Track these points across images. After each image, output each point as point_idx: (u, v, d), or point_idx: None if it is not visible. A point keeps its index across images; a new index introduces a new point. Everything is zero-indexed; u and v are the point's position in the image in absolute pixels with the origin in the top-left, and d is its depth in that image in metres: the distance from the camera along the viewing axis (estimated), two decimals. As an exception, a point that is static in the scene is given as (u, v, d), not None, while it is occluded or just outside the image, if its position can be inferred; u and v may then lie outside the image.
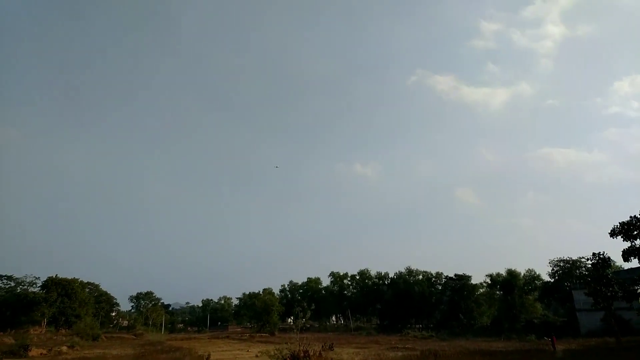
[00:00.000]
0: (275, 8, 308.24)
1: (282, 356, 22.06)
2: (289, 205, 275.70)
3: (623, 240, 33.22)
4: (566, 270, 70.34)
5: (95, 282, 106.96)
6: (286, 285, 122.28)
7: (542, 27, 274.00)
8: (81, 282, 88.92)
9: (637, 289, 35.22)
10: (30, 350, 34.19)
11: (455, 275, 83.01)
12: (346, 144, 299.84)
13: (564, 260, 71.32)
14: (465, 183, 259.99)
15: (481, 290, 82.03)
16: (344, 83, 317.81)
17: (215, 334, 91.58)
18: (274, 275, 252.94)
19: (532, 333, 53.86)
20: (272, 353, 22.95)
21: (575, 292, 58.56)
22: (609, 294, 35.57)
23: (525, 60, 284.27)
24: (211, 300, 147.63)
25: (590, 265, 50.64)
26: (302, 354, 21.97)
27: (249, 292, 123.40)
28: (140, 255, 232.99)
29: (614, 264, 53.61)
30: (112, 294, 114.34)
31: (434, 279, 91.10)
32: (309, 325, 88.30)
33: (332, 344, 33.07)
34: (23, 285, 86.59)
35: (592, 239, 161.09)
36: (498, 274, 77.73)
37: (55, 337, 59.56)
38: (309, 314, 27.16)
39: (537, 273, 79.64)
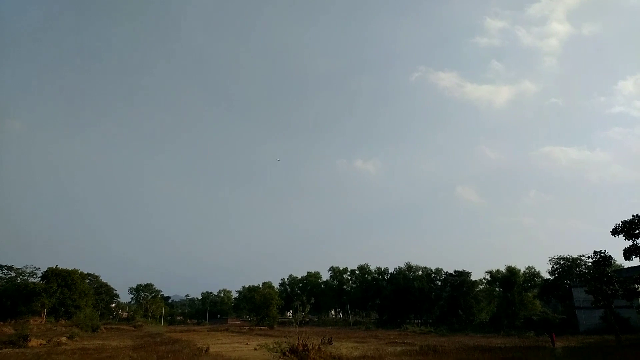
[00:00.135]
0: (279, 5, 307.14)
1: (281, 350, 22.02)
2: (289, 200, 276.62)
3: (625, 239, 33.14)
4: (566, 268, 70.30)
5: (95, 273, 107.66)
6: (286, 279, 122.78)
7: (548, 25, 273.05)
8: (81, 273, 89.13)
9: (638, 287, 35.19)
10: (29, 341, 34.24)
11: (455, 271, 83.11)
12: (348, 140, 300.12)
13: (564, 258, 71.27)
14: (467, 181, 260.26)
15: (481, 286, 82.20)
16: (346, 80, 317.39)
17: (215, 326, 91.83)
18: (273, 269, 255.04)
19: (531, 330, 53.97)
20: (271, 346, 22.92)
21: (574, 289, 58.56)
22: (609, 292, 35.50)
23: (530, 58, 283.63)
24: (211, 293, 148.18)
25: (590, 263, 50.66)
26: (300, 348, 21.92)
27: (249, 286, 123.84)
28: (140, 248, 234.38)
29: (614, 262, 53.52)
30: (112, 286, 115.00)
31: (433, 275, 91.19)
32: (308, 319, 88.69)
33: (331, 338, 33.12)
34: (23, 276, 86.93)
35: (593, 238, 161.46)
36: (498, 271, 77.79)
37: (55, 328, 59.78)
38: (308, 308, 27.13)
39: (537, 270, 79.78)
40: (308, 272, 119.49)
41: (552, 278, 72.22)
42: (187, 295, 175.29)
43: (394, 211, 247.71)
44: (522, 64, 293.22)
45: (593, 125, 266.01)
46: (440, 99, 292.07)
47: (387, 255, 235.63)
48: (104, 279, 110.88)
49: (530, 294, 73.16)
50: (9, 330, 47.80)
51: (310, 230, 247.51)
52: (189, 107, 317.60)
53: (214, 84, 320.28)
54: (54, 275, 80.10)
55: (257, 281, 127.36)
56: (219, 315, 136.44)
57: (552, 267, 71.98)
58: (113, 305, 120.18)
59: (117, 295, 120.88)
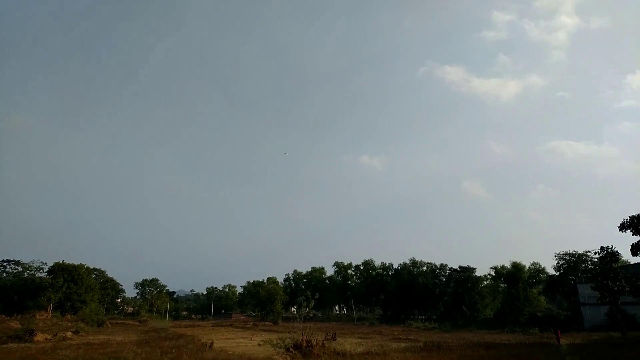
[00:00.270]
0: (286, 3, 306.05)
1: (285, 345, 22.01)
2: (294, 196, 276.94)
3: (632, 234, 32.71)
4: (572, 264, 69.88)
5: (101, 268, 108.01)
6: (290, 275, 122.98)
7: (556, 19, 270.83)
8: (87, 268, 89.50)
9: (645, 283, 34.87)
10: (35, 335, 34.42)
11: (460, 267, 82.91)
12: (353, 136, 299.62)
13: (569, 254, 70.81)
14: (473, 176, 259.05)
15: (485, 282, 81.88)
16: (352, 75, 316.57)
17: (219, 321, 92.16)
18: (278, 264, 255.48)
19: (535, 326, 53.70)
20: (275, 342, 22.90)
21: (580, 285, 58.21)
22: (615, 288, 35.20)
23: (538, 52, 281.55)
24: (216, 288, 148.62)
25: (596, 259, 50.25)
26: (304, 344, 21.90)
27: (253, 281, 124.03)
28: (146, 243, 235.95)
29: (621, 258, 53.12)
30: (117, 281, 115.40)
31: (438, 270, 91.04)
32: (312, 315, 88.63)
33: (335, 333, 32.97)
34: (30, 271, 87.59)
35: (600, 234, 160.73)
36: (503, 267, 77.43)
37: (60, 323, 60.16)
38: (312, 304, 27.11)
39: (542, 266, 79.34)
40: (312, 268, 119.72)
41: (557, 274, 71.83)
42: (192, 291, 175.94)
43: (400, 206, 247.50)
44: (529, 58, 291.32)
45: (601, 119, 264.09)
46: (446, 94, 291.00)
47: (392, 251, 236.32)
48: (109, 274, 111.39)
49: (535, 290, 72.86)
50: (15, 324, 48.13)
51: (315, 226, 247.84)
52: (194, 103, 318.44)
53: (217, 81, 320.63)
54: (60, 270, 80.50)
55: (262, 276, 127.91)
56: (223, 311, 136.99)
57: (558, 262, 71.55)
58: (118, 300, 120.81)
59: (123, 290, 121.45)
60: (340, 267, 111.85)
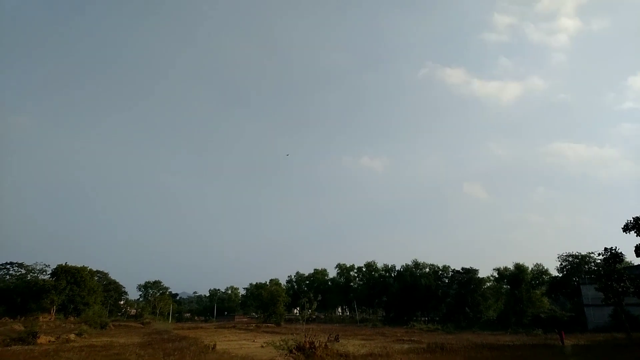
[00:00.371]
0: (287, 4, 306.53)
1: (288, 347, 21.94)
2: (296, 197, 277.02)
3: (636, 235, 32.58)
4: (575, 265, 69.56)
5: (104, 270, 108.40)
6: (293, 276, 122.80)
7: (557, 21, 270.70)
8: (90, 270, 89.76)
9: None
10: (38, 338, 34.47)
11: (462, 268, 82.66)
12: (354, 137, 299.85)
13: (572, 255, 70.46)
14: (474, 177, 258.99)
15: (488, 284, 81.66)
16: (353, 76, 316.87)
17: (222, 323, 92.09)
18: (280, 266, 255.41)
19: (539, 327, 53.52)
20: (278, 344, 22.82)
21: (583, 287, 57.97)
22: (620, 289, 35.03)
23: (538, 54, 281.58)
24: (218, 290, 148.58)
25: (599, 261, 49.99)
26: (307, 345, 21.83)
27: (256, 283, 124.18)
28: (149, 245, 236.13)
29: (624, 258, 52.89)
30: (120, 283, 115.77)
31: (440, 272, 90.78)
32: (314, 317, 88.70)
33: (338, 335, 32.91)
34: (33, 273, 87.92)
35: (601, 236, 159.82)
36: (506, 268, 77.23)
37: (64, 325, 60.25)
38: (315, 305, 27.02)
39: (545, 268, 79.04)
40: (315, 269, 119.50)
41: (560, 275, 71.55)
42: (195, 293, 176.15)
43: (401, 208, 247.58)
44: (530, 60, 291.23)
45: (602, 121, 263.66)
46: (447, 96, 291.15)
47: (394, 252, 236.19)
48: (112, 276, 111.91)
49: (538, 292, 72.64)
50: (18, 327, 48.22)
51: (317, 228, 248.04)
52: (197, 104, 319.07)
53: (221, 82, 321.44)
54: (63, 272, 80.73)
55: (265, 278, 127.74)
56: (226, 313, 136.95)
57: (561, 264, 71.23)
58: (121, 302, 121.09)
59: (126, 292, 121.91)
60: (343, 269, 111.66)
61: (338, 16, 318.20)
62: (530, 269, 77.82)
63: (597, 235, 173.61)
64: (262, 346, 31.12)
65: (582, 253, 69.62)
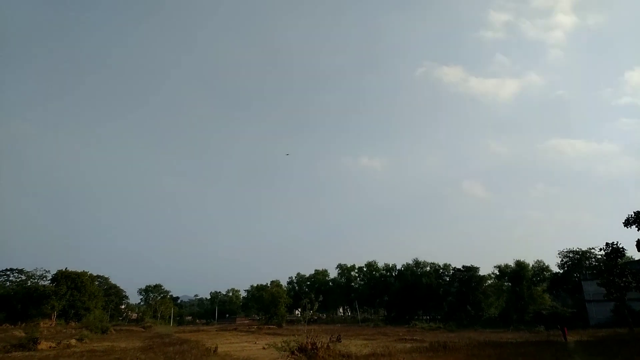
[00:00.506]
0: (286, 4, 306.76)
1: (290, 348, 21.84)
2: (296, 198, 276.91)
3: (638, 230, 32.51)
4: (576, 261, 69.56)
5: (104, 275, 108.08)
6: (293, 277, 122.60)
7: (553, 17, 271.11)
8: (91, 275, 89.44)
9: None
10: (39, 343, 34.26)
11: (463, 266, 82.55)
12: (353, 137, 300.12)
13: (573, 251, 70.46)
14: (473, 175, 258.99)
15: (489, 281, 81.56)
16: (351, 76, 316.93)
17: (223, 326, 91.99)
18: (281, 267, 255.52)
19: (540, 324, 53.40)
20: (280, 345, 22.73)
21: (584, 283, 57.93)
22: (622, 284, 34.96)
23: (535, 50, 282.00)
24: (219, 292, 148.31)
25: (600, 256, 49.92)
26: (309, 347, 21.72)
27: (257, 284, 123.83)
28: (149, 249, 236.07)
29: (625, 253, 52.88)
30: (121, 287, 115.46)
31: (441, 270, 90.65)
32: (316, 317, 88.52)
33: (340, 335, 32.75)
34: (33, 279, 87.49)
35: (601, 231, 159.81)
36: (506, 265, 77.13)
37: (64, 330, 60.01)
38: (316, 306, 26.90)
39: (546, 264, 78.97)
40: (316, 270, 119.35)
41: (561, 272, 71.51)
42: (196, 295, 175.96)
43: (401, 207, 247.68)
44: (527, 57, 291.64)
45: (600, 117, 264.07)
46: (445, 94, 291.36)
47: (395, 252, 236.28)
48: (113, 280, 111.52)
49: (539, 288, 72.58)
50: (19, 333, 47.95)
51: (317, 228, 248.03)
52: (196, 107, 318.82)
53: (219, 83, 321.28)
54: (63, 277, 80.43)
55: (266, 280, 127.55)
56: (227, 315, 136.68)
57: (562, 260, 71.24)
58: (122, 307, 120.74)
59: (127, 297, 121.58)
60: (344, 269, 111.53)
61: (335, 17, 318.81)
62: (531, 265, 77.75)
63: (597, 231, 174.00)
64: (263, 348, 30.99)
65: (583, 249, 69.71)
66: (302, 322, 25.90)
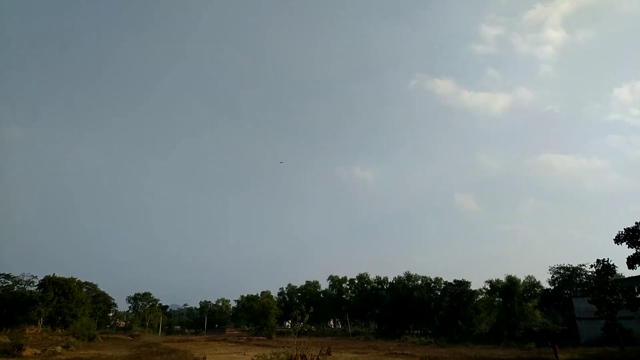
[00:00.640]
0: (277, 14, 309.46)
1: (279, 360, 21.65)
2: (288, 208, 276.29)
3: (628, 247, 32.67)
4: (566, 277, 69.67)
5: (93, 282, 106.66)
6: (284, 289, 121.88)
7: (543, 32, 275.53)
8: (79, 281, 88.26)
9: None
10: (24, 350, 33.67)
11: (455, 280, 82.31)
12: (345, 147, 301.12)
13: (564, 267, 70.60)
14: (465, 188, 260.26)
15: (480, 296, 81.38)
16: (344, 87, 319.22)
17: (213, 336, 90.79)
18: (272, 278, 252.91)
19: (531, 341, 53.21)
20: (269, 357, 22.52)
21: (575, 300, 57.94)
22: (613, 302, 34.99)
23: (526, 65, 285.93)
24: (209, 302, 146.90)
25: (591, 273, 50.00)
26: (299, 358, 21.55)
27: (247, 295, 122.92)
28: (138, 256, 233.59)
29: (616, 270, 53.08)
30: (109, 294, 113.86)
31: (433, 284, 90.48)
32: (306, 329, 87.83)
33: (330, 348, 32.53)
34: (20, 284, 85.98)
35: (591, 247, 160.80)
36: (498, 281, 77.15)
37: (50, 337, 58.99)
38: (307, 318, 26.77)
39: (537, 280, 79.07)
40: (307, 282, 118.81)
41: (552, 288, 71.57)
42: (185, 305, 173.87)
43: (393, 219, 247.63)
44: (518, 71, 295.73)
45: (589, 132, 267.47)
46: (437, 106, 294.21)
47: (387, 264, 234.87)
48: (101, 287, 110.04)
49: (530, 304, 72.52)
50: (4, 339, 47.03)
51: (309, 239, 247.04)
52: (189, 112, 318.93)
53: (213, 91, 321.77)
54: (51, 283, 79.28)
55: (256, 290, 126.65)
56: (217, 325, 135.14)
57: (552, 276, 71.26)
58: (110, 315, 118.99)
59: (115, 304, 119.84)
60: (335, 281, 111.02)
61: (328, 27, 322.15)
62: (522, 281, 77.80)
63: (587, 247, 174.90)
64: (252, 359, 30.65)
65: (574, 265, 69.89)
66: (293, 334, 25.70)
